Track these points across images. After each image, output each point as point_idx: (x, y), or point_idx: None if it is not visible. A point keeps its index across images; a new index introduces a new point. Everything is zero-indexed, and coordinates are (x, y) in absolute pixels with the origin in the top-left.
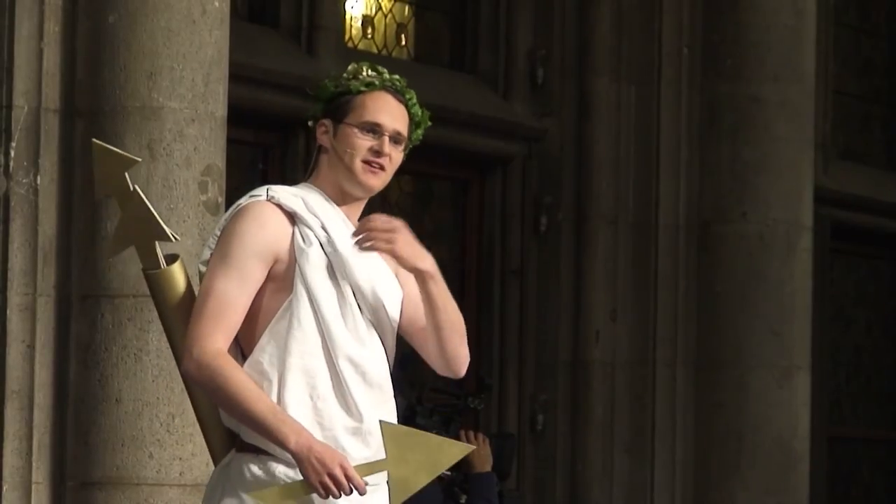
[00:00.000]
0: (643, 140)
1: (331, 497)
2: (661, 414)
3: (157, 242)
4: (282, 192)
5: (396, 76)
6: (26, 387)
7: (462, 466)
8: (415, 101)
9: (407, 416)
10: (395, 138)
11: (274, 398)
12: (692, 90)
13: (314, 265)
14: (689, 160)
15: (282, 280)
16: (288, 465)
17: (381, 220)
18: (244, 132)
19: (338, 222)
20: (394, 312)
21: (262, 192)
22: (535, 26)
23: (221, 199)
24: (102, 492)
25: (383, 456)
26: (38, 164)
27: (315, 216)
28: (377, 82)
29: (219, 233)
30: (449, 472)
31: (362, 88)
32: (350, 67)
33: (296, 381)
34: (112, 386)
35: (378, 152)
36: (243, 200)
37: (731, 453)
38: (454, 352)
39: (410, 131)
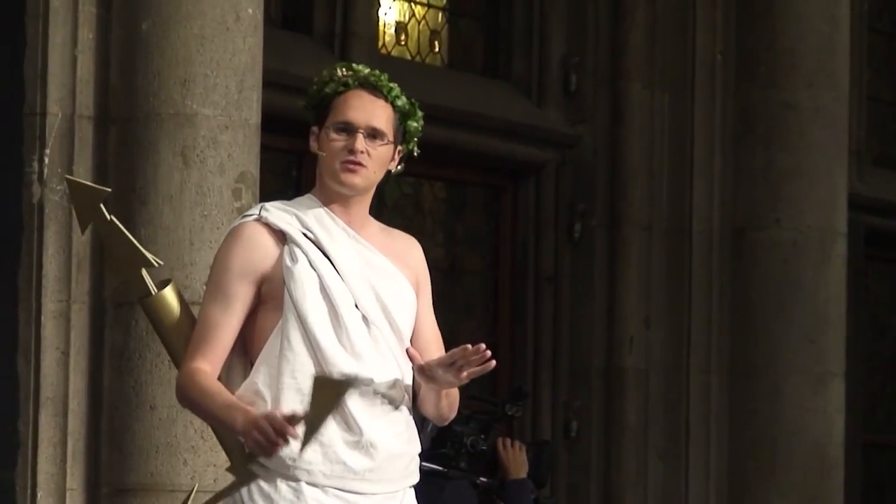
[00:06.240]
0: (677, 146)
1: (274, 447)
2: (695, 421)
3: (143, 269)
4: (274, 211)
5: (376, 71)
6: (60, 393)
7: (498, 473)
8: (397, 92)
9: None
10: (372, 133)
11: None
12: (726, 97)
13: (301, 283)
14: (722, 167)
15: (274, 300)
16: (287, 478)
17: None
18: (278, 139)
19: (336, 234)
20: (402, 316)
21: (254, 211)
22: (569, 33)
23: None
24: (136, 498)
25: (387, 468)
26: (72, 171)
27: (309, 231)
28: (351, 81)
29: None
30: (485, 479)
31: (339, 89)
32: (325, 71)
33: (290, 401)
34: (146, 392)
35: (352, 150)
36: (236, 221)
37: (766, 460)
38: (443, 416)
39: (397, 124)
